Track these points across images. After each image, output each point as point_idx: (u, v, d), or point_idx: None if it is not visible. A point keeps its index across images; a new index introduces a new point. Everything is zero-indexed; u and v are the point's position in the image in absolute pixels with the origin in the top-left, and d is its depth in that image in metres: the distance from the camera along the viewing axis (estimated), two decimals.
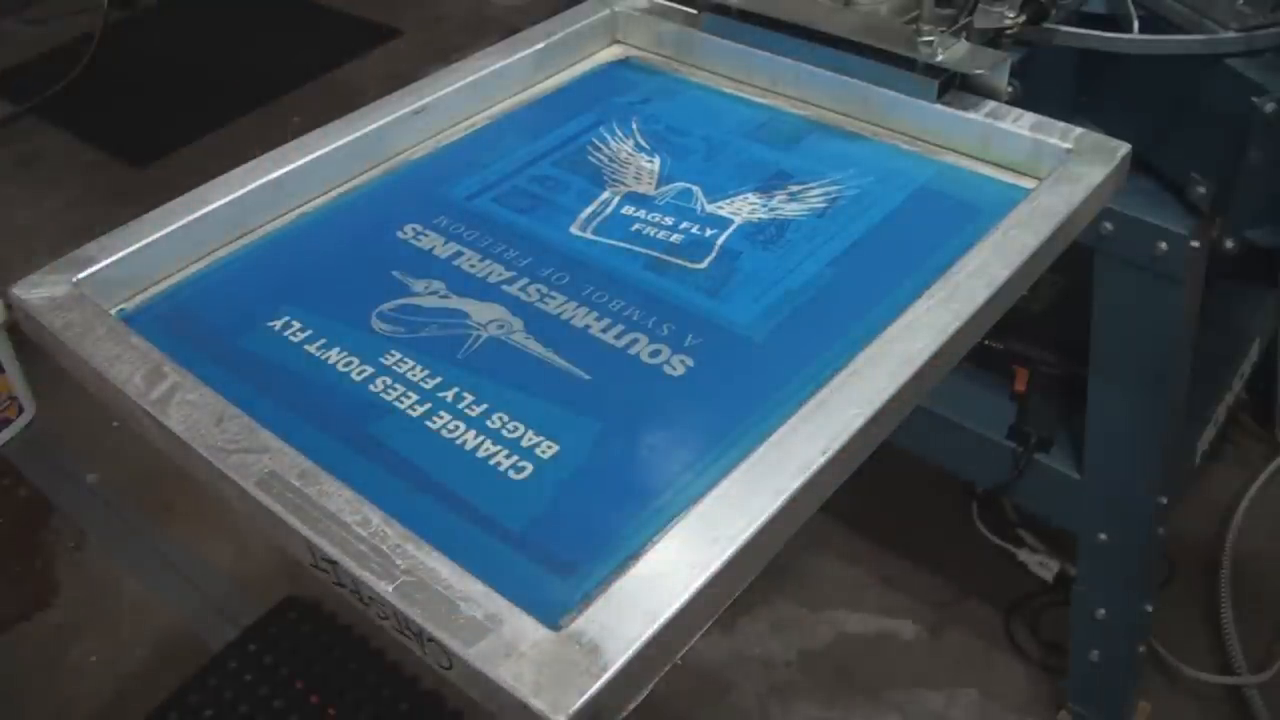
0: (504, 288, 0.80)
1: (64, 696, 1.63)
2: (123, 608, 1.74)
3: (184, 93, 2.96)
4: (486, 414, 0.70)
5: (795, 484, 0.60)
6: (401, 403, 0.71)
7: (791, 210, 0.86)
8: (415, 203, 0.89)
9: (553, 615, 0.55)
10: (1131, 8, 1.00)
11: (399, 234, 0.86)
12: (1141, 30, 0.99)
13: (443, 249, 0.84)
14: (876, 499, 1.52)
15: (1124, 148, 0.86)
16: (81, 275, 0.78)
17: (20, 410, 1.98)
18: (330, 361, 0.74)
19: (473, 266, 0.82)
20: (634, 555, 0.59)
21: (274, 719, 1.50)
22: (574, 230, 0.86)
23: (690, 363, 0.73)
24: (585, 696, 0.50)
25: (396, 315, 0.78)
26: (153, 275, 0.83)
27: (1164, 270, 1.05)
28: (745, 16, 1.01)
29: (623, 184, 0.91)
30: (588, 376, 0.68)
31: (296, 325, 0.77)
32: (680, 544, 0.58)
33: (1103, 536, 1.25)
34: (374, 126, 0.93)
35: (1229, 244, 1.01)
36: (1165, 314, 1.09)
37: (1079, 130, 0.87)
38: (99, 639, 1.70)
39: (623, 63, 1.09)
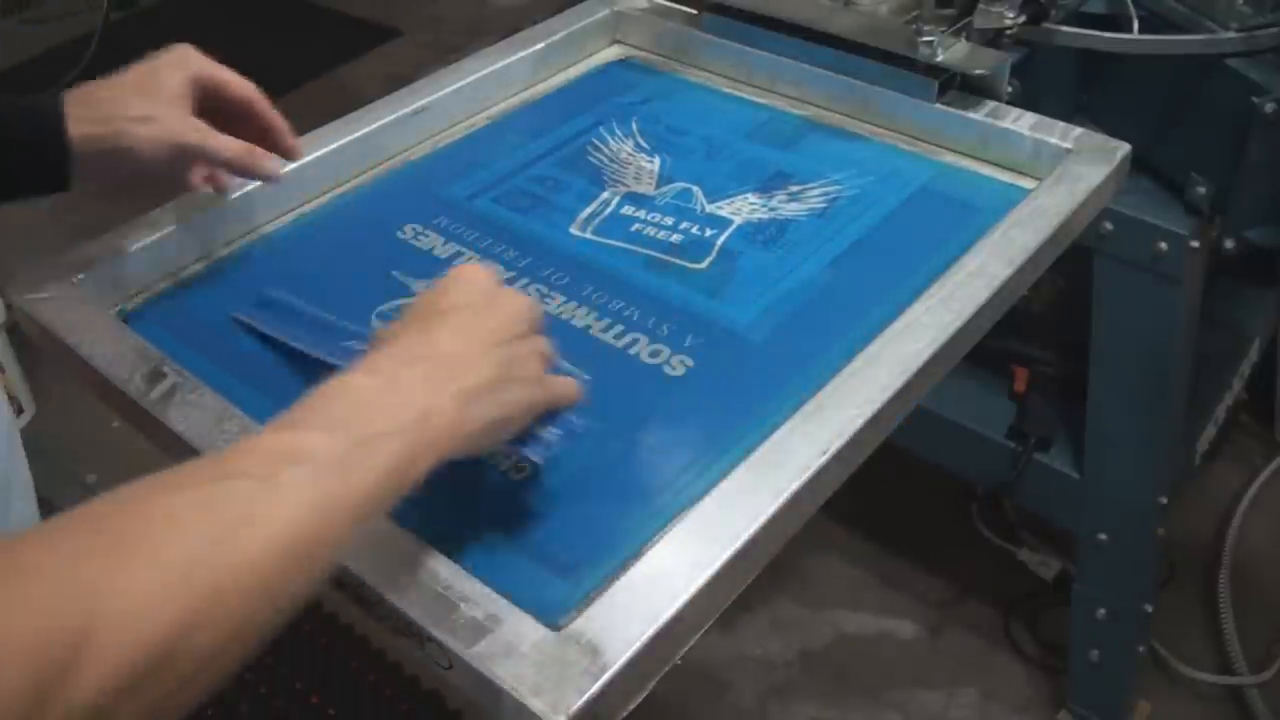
0: None
1: None
2: None
3: None
4: None
5: (795, 484, 0.60)
6: None
7: (791, 210, 0.86)
8: (415, 203, 0.89)
9: (553, 615, 0.55)
10: (1131, 8, 1.00)
11: (399, 234, 0.86)
12: (1141, 30, 0.99)
13: (442, 249, 0.84)
14: (876, 499, 1.52)
15: (1124, 148, 0.86)
16: (81, 275, 0.79)
17: (20, 410, 1.98)
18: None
19: None
20: (634, 555, 0.59)
21: (274, 719, 1.50)
22: (574, 230, 0.86)
23: (690, 363, 0.72)
24: (585, 697, 0.50)
25: (396, 315, 0.77)
26: (153, 275, 0.83)
27: (1164, 270, 1.05)
28: (745, 16, 1.01)
29: (622, 184, 0.91)
30: (587, 376, 0.68)
31: None
32: (680, 544, 0.58)
33: (1103, 536, 1.25)
34: (374, 126, 0.93)
35: (1229, 244, 1.01)
36: (1165, 314, 1.09)
37: (1079, 130, 0.87)
38: None
39: (623, 63, 1.08)
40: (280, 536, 0.42)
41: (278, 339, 0.75)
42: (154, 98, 0.71)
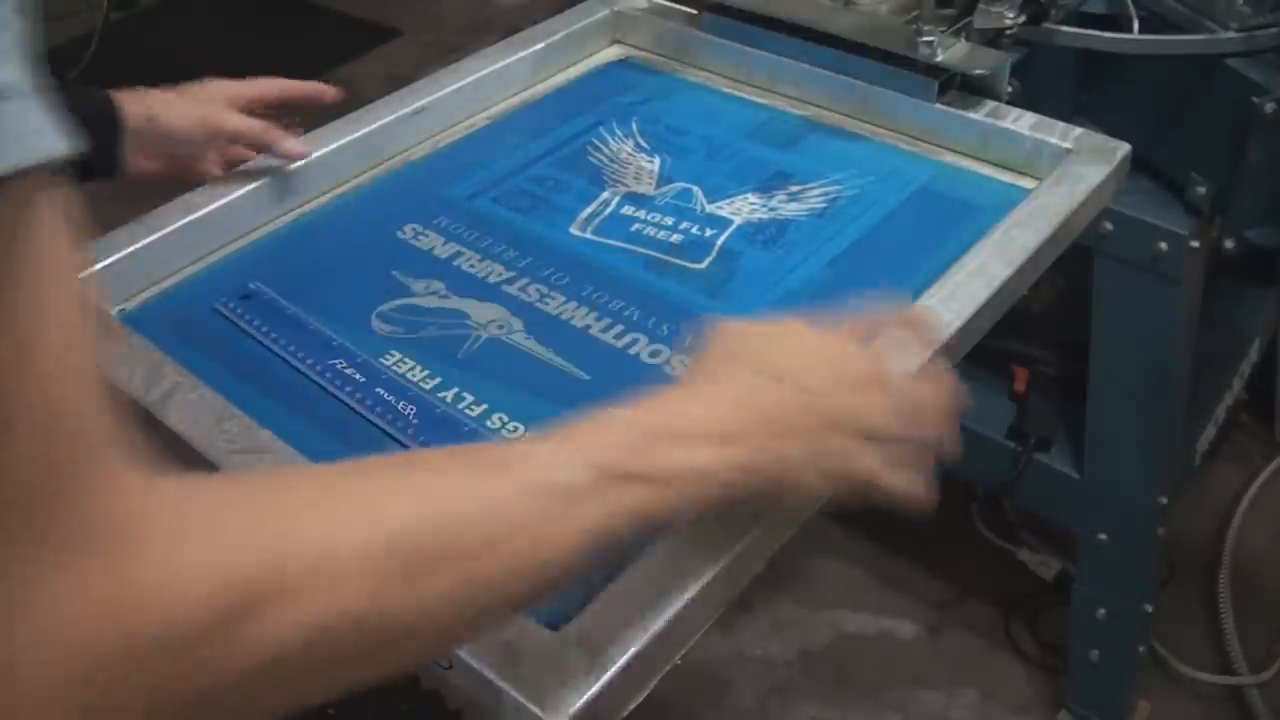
0: (504, 288, 0.80)
1: None
2: None
3: None
4: (486, 414, 0.70)
5: None
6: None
7: (791, 210, 0.86)
8: (415, 203, 0.89)
9: (553, 615, 0.55)
10: (1131, 8, 1.00)
11: (399, 234, 0.86)
12: (1141, 30, 0.99)
13: (442, 249, 0.84)
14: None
15: (1124, 148, 0.86)
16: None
17: None
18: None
19: (472, 266, 0.82)
20: (634, 555, 0.59)
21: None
22: (574, 230, 0.86)
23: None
24: (585, 697, 0.50)
25: (396, 315, 0.78)
26: (153, 275, 0.83)
27: (1164, 270, 1.05)
28: (745, 16, 1.01)
29: (622, 184, 0.91)
30: (587, 377, 0.68)
31: None
32: (680, 544, 0.58)
33: (1103, 536, 1.25)
34: (374, 126, 0.93)
35: (1229, 244, 1.01)
36: (1165, 314, 1.09)
37: (1079, 130, 0.87)
38: None
39: (623, 63, 1.08)
40: (489, 540, 0.41)
41: (258, 338, 0.75)
42: (187, 96, 0.85)
